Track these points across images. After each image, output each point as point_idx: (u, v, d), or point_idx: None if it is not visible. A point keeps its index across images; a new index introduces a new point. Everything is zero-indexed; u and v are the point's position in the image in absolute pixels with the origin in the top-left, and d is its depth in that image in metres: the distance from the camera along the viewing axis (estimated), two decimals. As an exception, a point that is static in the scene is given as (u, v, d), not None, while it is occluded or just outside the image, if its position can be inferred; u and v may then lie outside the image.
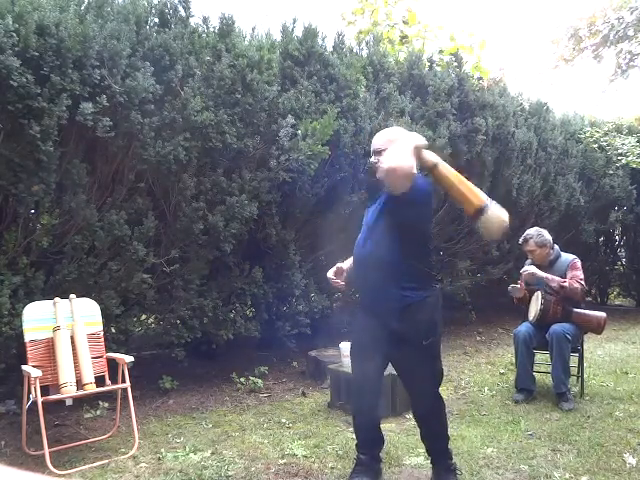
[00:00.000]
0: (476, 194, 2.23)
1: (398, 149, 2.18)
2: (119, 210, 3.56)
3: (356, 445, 2.63)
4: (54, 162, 3.22)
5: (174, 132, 3.67)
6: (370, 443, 2.59)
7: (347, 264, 2.64)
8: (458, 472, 2.59)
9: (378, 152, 2.37)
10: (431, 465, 2.62)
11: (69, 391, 2.90)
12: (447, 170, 2.26)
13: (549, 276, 3.82)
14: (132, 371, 3.17)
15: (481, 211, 2.19)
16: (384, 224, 2.35)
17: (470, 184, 2.27)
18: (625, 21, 4.71)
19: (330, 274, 2.62)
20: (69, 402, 3.47)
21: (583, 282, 3.84)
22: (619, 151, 7.32)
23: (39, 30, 3.09)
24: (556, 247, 4.00)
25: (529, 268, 3.92)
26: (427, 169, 2.27)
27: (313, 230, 4.76)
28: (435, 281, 2.47)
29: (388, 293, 2.33)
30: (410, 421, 3.45)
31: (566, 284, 3.77)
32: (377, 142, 2.42)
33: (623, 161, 7.24)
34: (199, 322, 4.06)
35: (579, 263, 3.91)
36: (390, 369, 2.66)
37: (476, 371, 4.77)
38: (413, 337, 2.33)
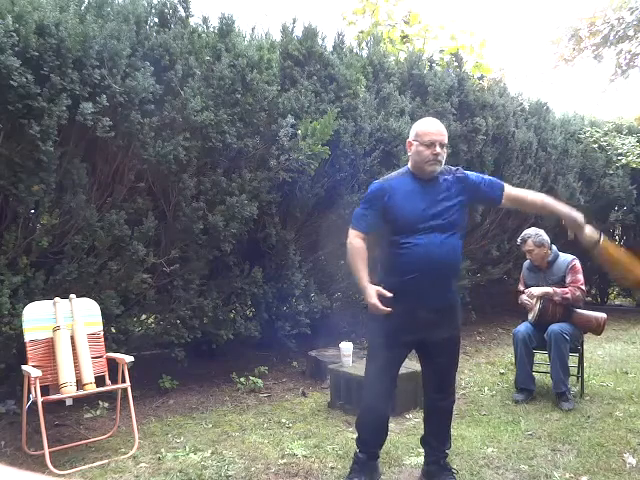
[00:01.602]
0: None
1: None
2: (119, 210, 3.56)
3: (356, 442, 2.62)
4: (54, 162, 3.22)
5: (174, 132, 3.67)
6: (372, 442, 2.59)
7: (367, 275, 2.47)
8: (454, 471, 2.59)
9: (443, 146, 2.42)
10: (427, 465, 2.62)
11: (69, 391, 2.90)
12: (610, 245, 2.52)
13: (550, 291, 3.81)
14: (132, 371, 3.17)
15: None
16: (452, 224, 2.42)
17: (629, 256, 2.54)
18: (625, 21, 4.71)
19: (378, 302, 2.36)
20: (69, 402, 3.48)
21: (584, 286, 3.84)
22: (619, 151, 7.32)
23: (39, 30, 3.09)
24: (554, 247, 4.00)
25: (528, 292, 3.91)
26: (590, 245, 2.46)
27: (313, 230, 4.77)
28: None
29: (452, 287, 2.50)
30: (410, 421, 3.45)
31: (569, 295, 3.76)
32: (445, 136, 2.44)
33: (623, 161, 7.24)
34: (199, 322, 4.06)
35: (579, 265, 3.89)
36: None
37: (476, 371, 4.77)
38: (457, 326, 2.56)
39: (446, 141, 2.44)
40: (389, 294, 2.35)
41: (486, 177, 2.57)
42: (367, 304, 2.41)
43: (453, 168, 2.53)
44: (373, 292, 2.37)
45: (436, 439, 2.60)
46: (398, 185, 2.45)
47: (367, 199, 2.50)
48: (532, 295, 3.88)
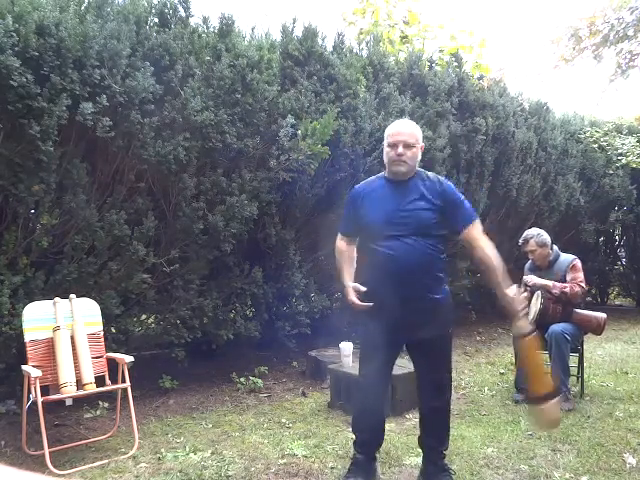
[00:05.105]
0: (547, 381, 2.32)
1: None
2: (119, 210, 3.56)
3: (354, 443, 2.62)
4: (54, 162, 3.22)
5: (174, 132, 3.67)
6: (369, 443, 2.59)
7: (351, 277, 2.50)
8: (452, 472, 2.58)
9: (408, 145, 2.36)
10: (424, 465, 2.60)
11: (69, 391, 2.90)
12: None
13: (549, 283, 3.82)
14: (132, 371, 3.17)
15: (546, 398, 2.24)
16: (421, 221, 2.35)
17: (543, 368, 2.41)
18: (625, 21, 4.71)
19: (355, 299, 2.41)
20: (69, 402, 3.48)
21: (584, 284, 3.84)
22: (619, 151, 7.32)
23: (39, 30, 3.09)
24: (555, 247, 4.01)
25: (528, 278, 3.92)
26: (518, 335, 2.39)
27: (313, 230, 4.76)
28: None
29: (428, 289, 2.39)
30: (410, 421, 3.45)
31: (567, 290, 3.77)
32: (410, 135, 2.39)
33: (623, 161, 7.24)
34: (199, 322, 4.06)
35: (579, 264, 3.91)
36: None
37: (476, 371, 4.77)
38: (444, 327, 2.48)
39: (411, 141, 2.37)
40: (364, 288, 2.38)
41: (465, 202, 2.43)
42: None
43: (435, 176, 2.47)
44: (350, 289, 2.41)
45: (432, 439, 2.59)
46: (371, 189, 2.50)
47: (346, 203, 2.61)
48: (532, 283, 3.88)
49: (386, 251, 2.36)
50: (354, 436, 2.65)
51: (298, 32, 4.62)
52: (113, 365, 3.16)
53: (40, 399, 2.75)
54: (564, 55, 5.03)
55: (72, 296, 3.19)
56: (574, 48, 4.96)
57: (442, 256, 2.43)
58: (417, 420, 3.22)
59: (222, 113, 3.80)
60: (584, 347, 4.18)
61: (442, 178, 2.48)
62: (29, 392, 2.86)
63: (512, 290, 2.32)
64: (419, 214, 2.34)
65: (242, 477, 2.71)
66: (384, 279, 2.37)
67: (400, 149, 2.35)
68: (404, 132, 2.39)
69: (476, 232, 2.40)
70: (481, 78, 6.44)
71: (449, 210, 2.38)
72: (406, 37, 8.76)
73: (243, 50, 3.98)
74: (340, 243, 2.59)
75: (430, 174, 2.47)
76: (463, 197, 2.45)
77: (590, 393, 4.03)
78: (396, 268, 2.33)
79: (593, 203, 7.39)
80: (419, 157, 2.44)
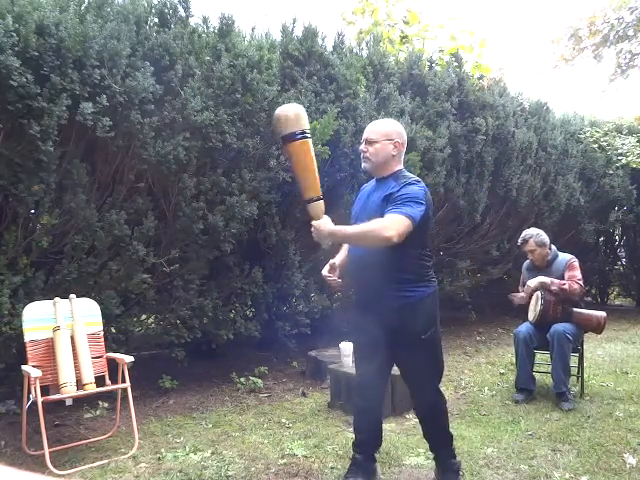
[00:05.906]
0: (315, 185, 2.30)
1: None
2: (119, 210, 3.56)
3: (353, 444, 2.63)
4: (54, 162, 3.22)
5: (174, 132, 3.67)
6: (368, 443, 2.59)
7: (339, 259, 2.53)
8: (461, 472, 2.58)
9: (370, 142, 2.38)
10: (434, 463, 2.62)
11: (69, 391, 2.90)
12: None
13: (547, 280, 3.82)
14: (132, 371, 3.17)
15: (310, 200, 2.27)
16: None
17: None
18: (625, 21, 4.72)
19: (325, 272, 2.50)
20: (69, 402, 3.48)
21: (581, 282, 3.85)
22: (619, 151, 7.32)
23: (39, 30, 3.09)
24: (553, 247, 4.02)
25: (529, 283, 3.91)
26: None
27: (313, 230, 4.76)
28: (432, 279, 2.43)
29: (385, 292, 2.32)
30: (410, 421, 3.45)
31: (566, 286, 3.78)
32: (372, 132, 2.39)
33: (623, 161, 7.24)
34: (199, 322, 4.06)
35: (577, 263, 3.92)
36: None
37: (476, 371, 4.77)
38: (412, 332, 2.33)
39: (373, 137, 2.35)
40: (334, 260, 2.51)
41: (403, 199, 2.22)
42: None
43: (406, 180, 2.30)
44: (327, 264, 2.52)
45: (431, 441, 2.60)
46: (365, 187, 2.58)
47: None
48: (529, 289, 3.88)
49: (350, 250, 2.49)
50: (353, 435, 2.66)
51: (298, 32, 4.62)
52: (113, 365, 3.16)
53: (40, 399, 2.75)
54: (564, 55, 5.04)
55: (72, 296, 3.19)
56: (574, 48, 4.96)
57: (410, 256, 2.30)
58: (417, 420, 3.23)
59: (222, 113, 3.79)
60: (584, 347, 4.19)
61: (411, 182, 2.29)
62: (29, 392, 2.86)
63: (325, 225, 2.22)
64: (375, 214, 2.28)
65: (242, 477, 2.71)
66: (350, 278, 2.52)
67: (362, 146, 2.40)
68: (368, 129, 2.43)
69: (388, 214, 2.20)
70: (481, 78, 6.44)
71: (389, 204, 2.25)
72: (406, 37, 8.76)
73: (243, 50, 3.98)
74: None
75: (409, 178, 2.32)
76: (413, 200, 2.23)
77: (590, 393, 4.03)
78: (354, 268, 2.45)
79: (593, 203, 7.39)
80: (389, 153, 2.35)
